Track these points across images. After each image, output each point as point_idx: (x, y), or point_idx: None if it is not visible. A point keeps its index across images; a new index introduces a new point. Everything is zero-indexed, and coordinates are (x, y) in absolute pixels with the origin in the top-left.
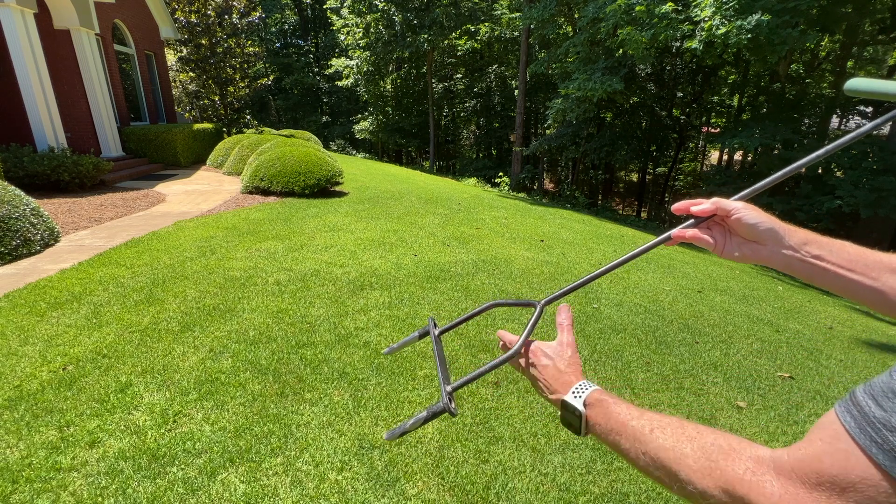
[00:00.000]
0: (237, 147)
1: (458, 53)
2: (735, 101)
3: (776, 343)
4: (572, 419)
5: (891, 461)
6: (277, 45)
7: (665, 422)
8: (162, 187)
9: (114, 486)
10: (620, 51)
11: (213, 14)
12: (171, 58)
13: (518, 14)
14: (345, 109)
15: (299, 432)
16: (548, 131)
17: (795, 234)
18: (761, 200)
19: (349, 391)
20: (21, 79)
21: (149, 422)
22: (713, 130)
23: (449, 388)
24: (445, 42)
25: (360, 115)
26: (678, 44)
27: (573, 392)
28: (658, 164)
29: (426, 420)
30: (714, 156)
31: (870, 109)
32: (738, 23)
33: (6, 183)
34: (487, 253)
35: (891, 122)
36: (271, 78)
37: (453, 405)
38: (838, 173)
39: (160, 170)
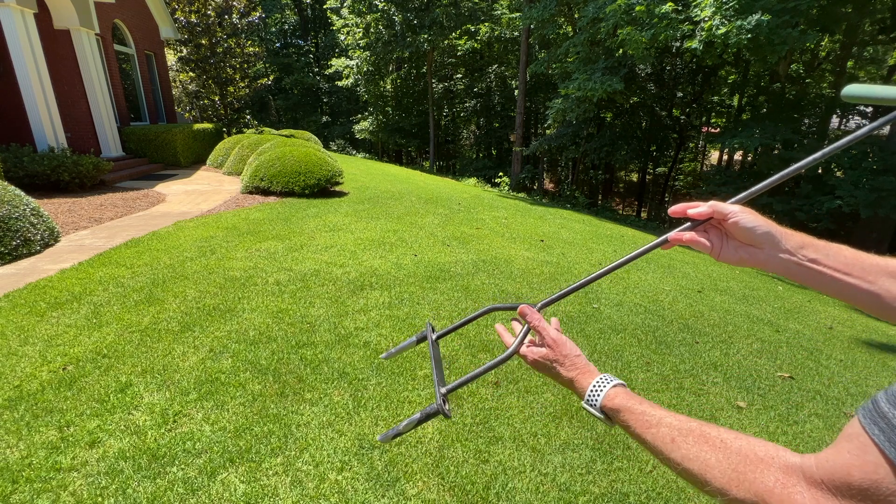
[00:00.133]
0: (237, 147)
1: (458, 53)
2: (735, 101)
3: (776, 343)
4: (592, 409)
5: None
6: (277, 45)
7: (686, 428)
8: (162, 187)
9: (114, 486)
10: (620, 51)
11: (213, 14)
12: (171, 58)
13: (518, 14)
14: (345, 109)
15: (299, 432)
16: (548, 131)
17: (792, 238)
18: (761, 201)
19: (349, 391)
20: (21, 79)
21: (149, 422)
22: (713, 130)
23: (443, 391)
24: (445, 42)
25: (360, 115)
26: (678, 44)
27: (591, 390)
28: (658, 164)
29: (420, 422)
30: (714, 156)
31: (870, 110)
32: (738, 23)
33: (6, 183)
34: (487, 253)
35: (891, 123)
36: (271, 78)
37: (447, 407)
38: (838, 173)
39: (160, 170)
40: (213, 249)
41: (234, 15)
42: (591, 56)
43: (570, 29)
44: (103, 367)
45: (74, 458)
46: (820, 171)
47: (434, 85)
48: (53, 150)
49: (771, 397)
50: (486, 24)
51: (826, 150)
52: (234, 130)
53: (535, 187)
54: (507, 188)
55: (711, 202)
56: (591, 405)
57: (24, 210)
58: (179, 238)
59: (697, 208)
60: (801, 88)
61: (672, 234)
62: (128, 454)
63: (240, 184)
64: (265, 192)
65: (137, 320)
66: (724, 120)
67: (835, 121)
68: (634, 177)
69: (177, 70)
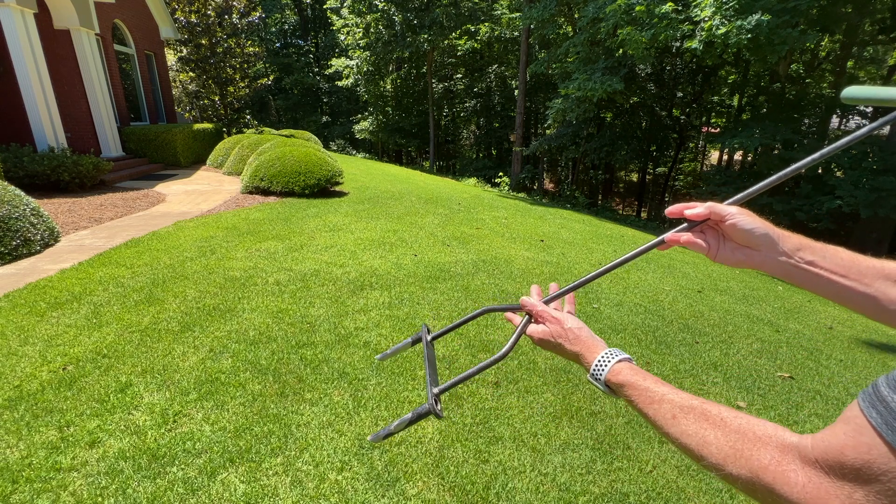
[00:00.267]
0: (237, 147)
1: (458, 53)
2: (735, 101)
3: (776, 343)
4: (597, 383)
5: None
6: (277, 45)
7: (688, 405)
8: (162, 187)
9: (114, 486)
10: (620, 51)
11: (213, 14)
12: (171, 58)
13: (518, 14)
14: (345, 109)
15: (299, 432)
16: (548, 131)
17: (789, 240)
18: (760, 201)
19: (349, 391)
20: (21, 79)
21: (149, 422)
22: (713, 130)
23: (436, 391)
24: (445, 42)
25: (360, 115)
26: (678, 44)
27: (597, 364)
28: (658, 164)
29: (411, 422)
30: (714, 156)
31: (870, 110)
32: (738, 23)
33: (6, 183)
34: (487, 253)
35: (890, 123)
36: (271, 78)
37: (439, 407)
38: (838, 173)
39: (160, 170)
40: (213, 249)
41: (234, 15)
42: (591, 56)
43: (570, 29)
44: (103, 367)
45: (74, 458)
46: (820, 171)
47: (434, 85)
48: (53, 150)
49: (771, 397)
50: (486, 24)
51: (825, 150)
52: (234, 130)
53: (535, 187)
54: (507, 188)
55: (708, 203)
56: (595, 379)
57: (24, 210)
58: (179, 238)
59: (694, 209)
60: (801, 88)
61: (669, 235)
62: (128, 454)
63: (240, 184)
64: (265, 192)
65: (137, 320)
66: (724, 120)
67: (835, 121)
68: (634, 177)
69: (177, 70)
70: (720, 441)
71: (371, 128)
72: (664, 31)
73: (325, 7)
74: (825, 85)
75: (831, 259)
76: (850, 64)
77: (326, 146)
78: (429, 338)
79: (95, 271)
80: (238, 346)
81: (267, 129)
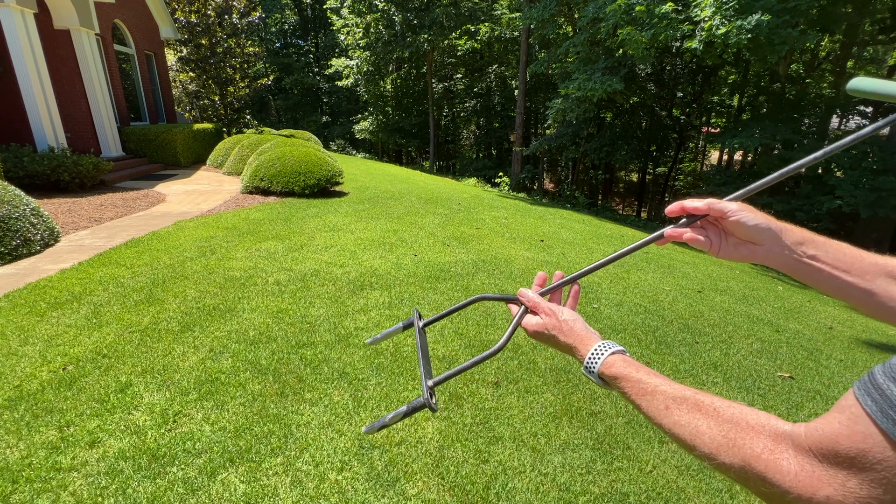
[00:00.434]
0: (237, 147)
1: (458, 53)
2: (735, 101)
3: (776, 343)
4: (591, 376)
5: None
6: (277, 45)
7: (680, 396)
8: (162, 187)
9: (114, 486)
10: (620, 51)
11: (213, 14)
12: (171, 58)
13: (518, 14)
14: (345, 109)
15: (299, 432)
16: (548, 131)
17: (792, 234)
18: (761, 201)
19: (349, 391)
20: (21, 79)
21: (149, 422)
22: (713, 130)
23: (430, 383)
24: (445, 42)
25: (360, 115)
26: (678, 44)
27: (590, 357)
28: (658, 164)
29: (405, 415)
30: (714, 156)
31: (870, 110)
32: (738, 23)
33: (6, 183)
34: (487, 253)
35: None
36: (271, 78)
37: (434, 400)
38: (838, 173)
39: (160, 170)
40: (213, 249)
41: (234, 15)
42: (591, 56)
43: (570, 29)
44: (103, 367)
45: (74, 458)
46: (820, 171)
47: (434, 85)
48: (53, 150)
49: (771, 397)
50: (486, 24)
51: (828, 148)
52: (234, 130)
53: (535, 187)
54: (507, 188)
55: (709, 200)
56: (589, 371)
57: (24, 210)
58: (179, 238)
59: (694, 203)
60: (801, 88)
61: (669, 230)
62: (128, 454)
63: (240, 184)
64: (265, 192)
65: (137, 320)
66: (724, 120)
67: (835, 121)
68: (634, 177)
69: (177, 70)
70: (713, 431)
71: (371, 128)
72: (664, 31)
73: (325, 7)
74: (825, 85)
75: (834, 254)
76: (850, 64)
77: (326, 146)
78: (420, 324)
79: (95, 271)
80: (238, 346)
81: (267, 129)
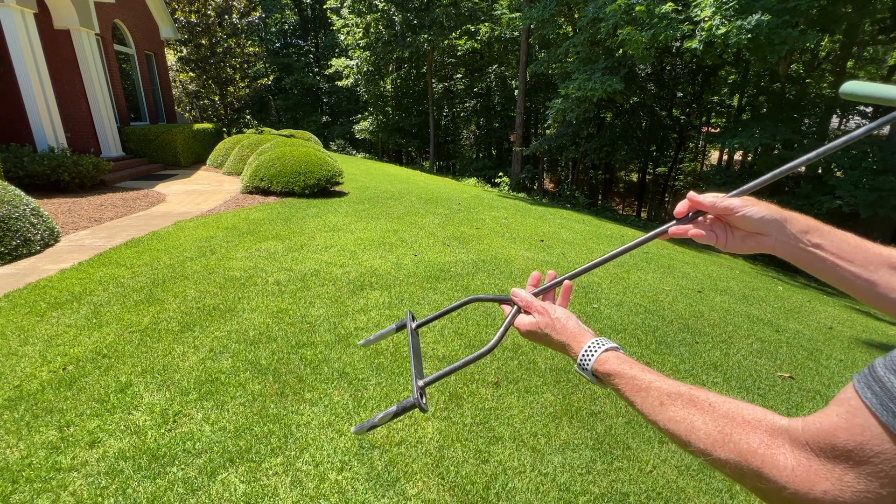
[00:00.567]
0: (237, 147)
1: (458, 53)
2: (735, 101)
3: (776, 343)
4: (584, 373)
5: None
6: (277, 45)
7: (675, 392)
8: (162, 187)
9: (114, 486)
10: (620, 51)
11: (213, 14)
12: (171, 58)
13: (518, 14)
14: (345, 109)
15: (299, 432)
16: (548, 131)
17: (797, 223)
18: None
19: (349, 391)
20: (21, 79)
21: (149, 422)
22: (713, 130)
23: (421, 383)
24: (445, 42)
25: (360, 115)
26: (678, 44)
27: (583, 354)
28: (658, 164)
29: (395, 415)
30: (714, 156)
31: (869, 109)
32: (738, 23)
33: (6, 183)
34: (487, 253)
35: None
36: (271, 78)
37: (424, 400)
38: (838, 173)
39: (160, 170)
40: (213, 249)
41: (234, 15)
42: (591, 56)
43: (570, 29)
44: (103, 367)
45: (74, 458)
46: (820, 171)
47: (434, 85)
48: (53, 150)
49: (771, 397)
50: (486, 24)
51: (828, 146)
52: (234, 130)
53: (535, 187)
54: (507, 188)
55: (713, 195)
56: (583, 368)
57: (24, 210)
58: (179, 238)
59: (699, 197)
60: (801, 88)
61: (674, 228)
62: (128, 454)
63: (240, 184)
64: (265, 192)
65: (137, 320)
66: (724, 120)
67: (835, 121)
68: (634, 177)
69: (177, 70)
70: (708, 426)
71: (371, 128)
72: (664, 31)
73: (325, 7)
74: (825, 85)
75: (838, 243)
76: (850, 64)
77: (326, 146)
78: (413, 325)
79: (95, 271)
80: (238, 346)
81: (267, 129)
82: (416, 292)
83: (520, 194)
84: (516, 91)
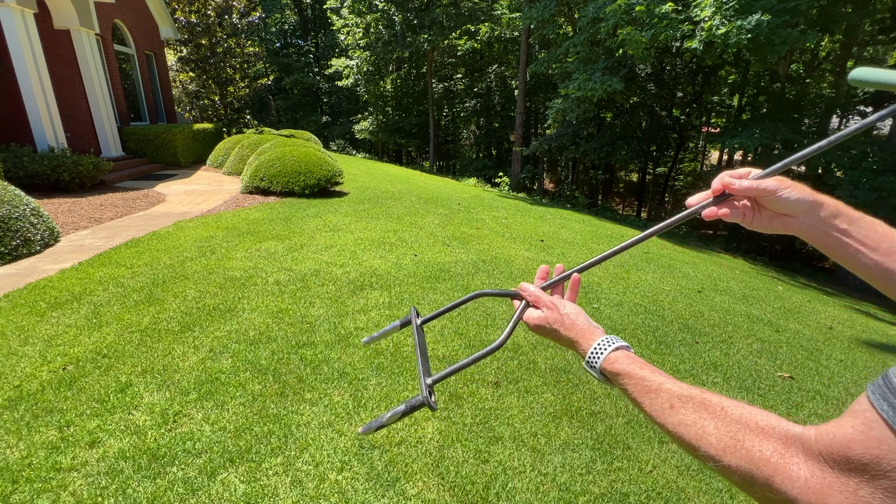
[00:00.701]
0: (237, 147)
1: (458, 53)
2: (735, 101)
3: (776, 343)
4: (592, 371)
5: None
6: (277, 45)
7: (686, 395)
8: (162, 187)
9: (114, 486)
10: (620, 51)
11: (213, 14)
12: (171, 58)
13: (518, 14)
14: (345, 109)
15: (299, 432)
16: (548, 131)
17: (828, 207)
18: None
19: (349, 391)
20: (21, 79)
21: (149, 422)
22: (713, 130)
23: (429, 381)
24: (445, 42)
25: (360, 115)
26: (678, 44)
27: (592, 352)
28: (658, 164)
29: (404, 414)
30: (714, 156)
31: (870, 109)
32: (738, 23)
33: (6, 183)
34: (487, 253)
35: (892, 123)
36: (271, 78)
37: (433, 399)
38: (838, 173)
39: (160, 170)
40: (213, 249)
41: (234, 15)
42: (591, 56)
43: (570, 29)
44: (103, 367)
45: (74, 458)
46: (820, 170)
47: (434, 85)
48: (53, 150)
49: (771, 397)
50: (486, 24)
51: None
52: (234, 130)
53: (535, 187)
54: (507, 188)
55: (751, 176)
56: (591, 366)
57: (24, 210)
58: (179, 238)
59: (735, 183)
60: (801, 88)
61: (707, 211)
62: (128, 454)
63: (240, 184)
64: (265, 192)
65: (137, 320)
66: (724, 120)
67: (835, 121)
68: (634, 177)
69: (177, 70)
70: (720, 431)
71: (371, 128)
72: (664, 31)
73: (325, 7)
74: (825, 85)
75: (865, 230)
76: (849, 64)
77: (326, 146)
78: (418, 322)
79: (95, 271)
80: (238, 346)
81: (267, 129)
82: (416, 292)
83: (520, 194)
84: (516, 91)
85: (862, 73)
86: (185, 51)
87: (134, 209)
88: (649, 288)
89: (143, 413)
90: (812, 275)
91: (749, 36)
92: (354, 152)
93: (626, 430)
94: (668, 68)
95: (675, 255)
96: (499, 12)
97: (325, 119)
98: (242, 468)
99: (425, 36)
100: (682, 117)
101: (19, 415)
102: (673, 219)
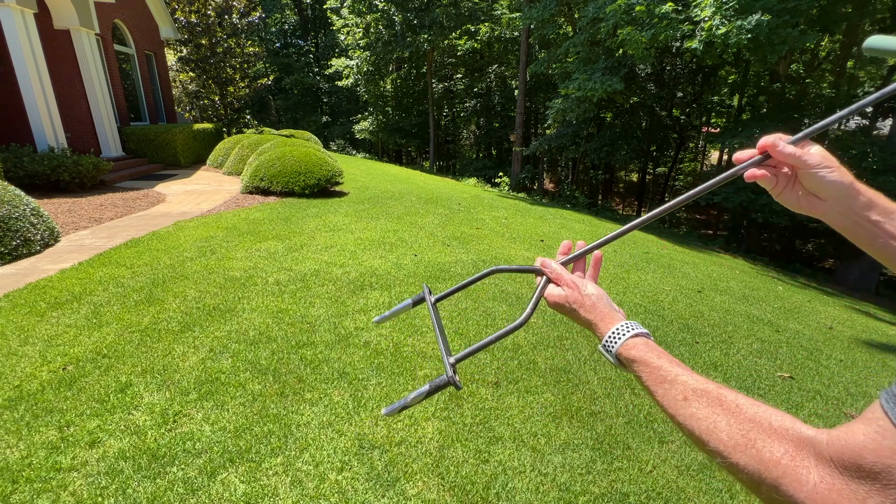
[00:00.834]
0: (237, 147)
1: (458, 53)
2: (735, 101)
3: (776, 343)
4: (608, 355)
5: None
6: (277, 45)
7: (702, 389)
8: (162, 187)
9: (114, 486)
10: (620, 51)
11: (213, 14)
12: (171, 58)
13: (518, 14)
14: (345, 109)
15: (299, 432)
16: (548, 131)
17: (862, 197)
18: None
19: (349, 391)
20: (21, 79)
21: (149, 422)
22: (713, 130)
23: (452, 360)
24: (445, 42)
25: (360, 115)
26: (678, 44)
27: (610, 336)
28: (658, 164)
29: (429, 394)
30: (714, 156)
31: (869, 110)
32: (738, 23)
33: (6, 183)
34: (487, 253)
35: (892, 123)
36: (271, 78)
37: (457, 377)
38: None
39: (160, 170)
40: (213, 249)
41: (234, 15)
42: (591, 56)
43: (570, 29)
44: (103, 367)
45: (74, 458)
46: None
47: (434, 85)
48: (53, 150)
49: (771, 397)
50: (486, 24)
51: (856, 105)
52: (234, 130)
53: (535, 187)
54: (507, 188)
55: (794, 148)
56: (606, 350)
57: (24, 210)
58: (179, 238)
59: (783, 145)
60: (801, 88)
61: (749, 172)
62: (128, 454)
63: (240, 184)
64: (265, 192)
65: (137, 320)
66: (724, 120)
67: None
68: (634, 177)
69: (177, 70)
70: (732, 428)
71: (371, 128)
72: (664, 31)
73: (325, 7)
74: (825, 85)
75: None
76: (850, 64)
77: (326, 146)
78: (432, 299)
79: (95, 271)
80: (238, 346)
81: (267, 129)
82: (416, 292)
83: (520, 194)
84: (516, 91)
85: (877, 41)
86: (185, 51)
87: (134, 209)
88: (649, 288)
89: (143, 413)
90: (812, 275)
91: (749, 36)
92: (354, 152)
93: (626, 430)
94: (668, 68)
95: (675, 255)
96: (499, 12)
97: (325, 119)
98: (242, 468)
99: (425, 36)
100: (682, 117)
101: (19, 415)
102: (719, 178)
